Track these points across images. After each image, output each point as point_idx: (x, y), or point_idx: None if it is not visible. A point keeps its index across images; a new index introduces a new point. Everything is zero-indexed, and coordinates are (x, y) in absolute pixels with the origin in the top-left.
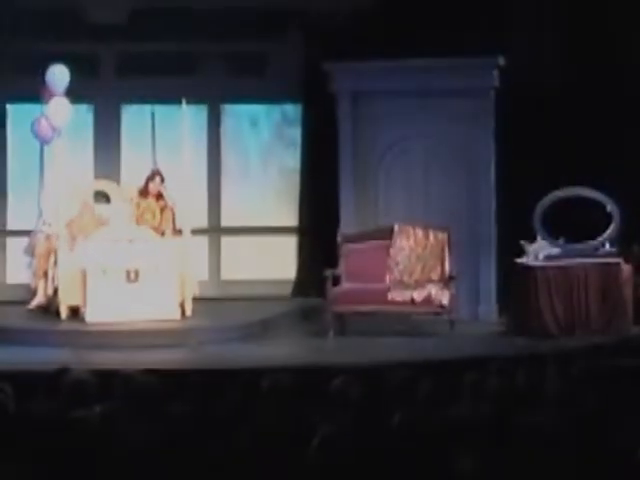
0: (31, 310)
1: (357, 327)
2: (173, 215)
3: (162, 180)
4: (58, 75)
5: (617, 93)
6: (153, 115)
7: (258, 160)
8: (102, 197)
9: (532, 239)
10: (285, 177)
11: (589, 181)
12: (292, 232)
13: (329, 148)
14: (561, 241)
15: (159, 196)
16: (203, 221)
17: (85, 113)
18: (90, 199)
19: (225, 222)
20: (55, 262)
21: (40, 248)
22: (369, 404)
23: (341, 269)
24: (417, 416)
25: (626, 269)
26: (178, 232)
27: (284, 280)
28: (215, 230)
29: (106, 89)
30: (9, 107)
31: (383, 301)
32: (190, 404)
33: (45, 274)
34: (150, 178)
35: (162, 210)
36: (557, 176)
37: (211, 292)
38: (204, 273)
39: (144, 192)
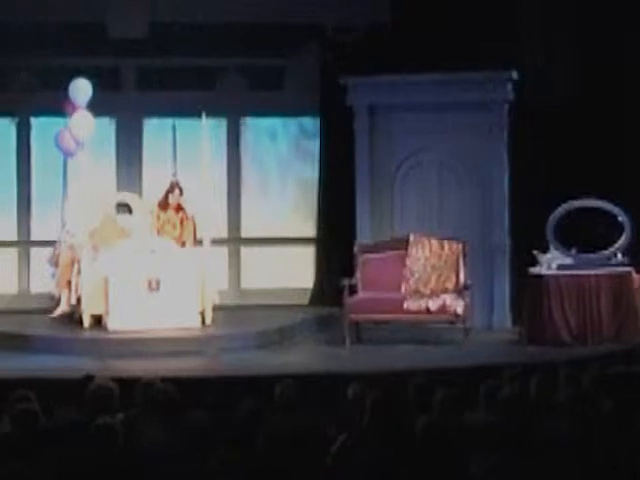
0: (55, 319)
1: (373, 335)
2: (194, 226)
3: (181, 192)
4: (81, 89)
5: (630, 106)
6: (174, 128)
7: (277, 172)
8: (124, 208)
9: (545, 249)
10: (303, 188)
11: (601, 192)
12: (310, 242)
13: (346, 160)
14: (573, 251)
15: (178, 208)
16: (223, 232)
17: (107, 126)
18: (112, 210)
19: (244, 233)
20: (78, 272)
21: (63, 258)
22: (385, 412)
23: (357, 278)
24: (432, 423)
25: (637, 279)
26: (198, 243)
27: (302, 289)
28: (235, 240)
29: (128, 103)
30: (33, 120)
31: (399, 310)
32: (209, 411)
33: (68, 283)
34: (169, 191)
35: (182, 222)
36: (569, 188)
37: (231, 300)
38: (224, 282)
39: (164, 204)
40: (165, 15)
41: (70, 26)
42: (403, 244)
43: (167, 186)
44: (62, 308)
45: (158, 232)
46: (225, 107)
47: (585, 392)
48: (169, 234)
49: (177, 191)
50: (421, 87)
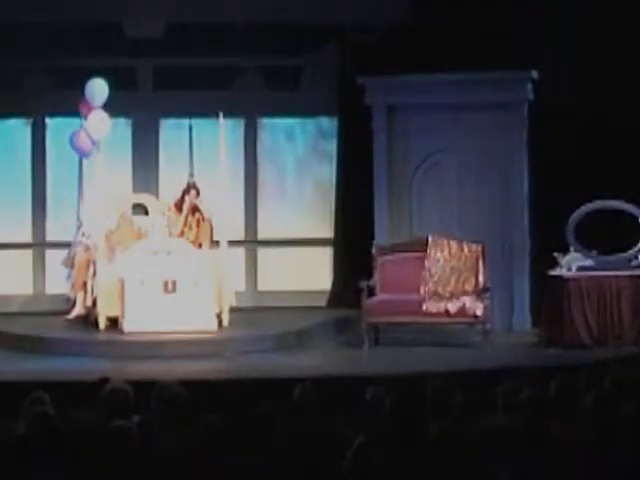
0: (70, 320)
1: (391, 338)
2: (210, 228)
3: (198, 193)
4: (97, 88)
5: None
6: (191, 129)
7: (294, 172)
8: (140, 210)
9: (565, 251)
10: (320, 189)
11: (622, 193)
12: (327, 244)
13: (364, 161)
14: (594, 253)
15: (195, 209)
16: (240, 233)
17: (123, 127)
18: (128, 211)
19: (261, 234)
20: (94, 273)
21: (79, 259)
22: (404, 414)
23: (376, 280)
24: (451, 426)
25: None
26: (215, 244)
27: (319, 291)
28: (252, 242)
29: (144, 103)
30: (48, 121)
31: (418, 312)
32: (225, 414)
33: (84, 285)
34: (186, 191)
35: (199, 223)
36: (590, 188)
37: (247, 303)
38: (241, 284)
39: (180, 205)
40: (182, 15)
41: (86, 26)
42: (422, 245)
43: (184, 187)
44: (78, 310)
45: (181, 233)
46: (242, 107)
47: (605, 395)
48: (185, 235)
49: (193, 192)
50: (440, 87)
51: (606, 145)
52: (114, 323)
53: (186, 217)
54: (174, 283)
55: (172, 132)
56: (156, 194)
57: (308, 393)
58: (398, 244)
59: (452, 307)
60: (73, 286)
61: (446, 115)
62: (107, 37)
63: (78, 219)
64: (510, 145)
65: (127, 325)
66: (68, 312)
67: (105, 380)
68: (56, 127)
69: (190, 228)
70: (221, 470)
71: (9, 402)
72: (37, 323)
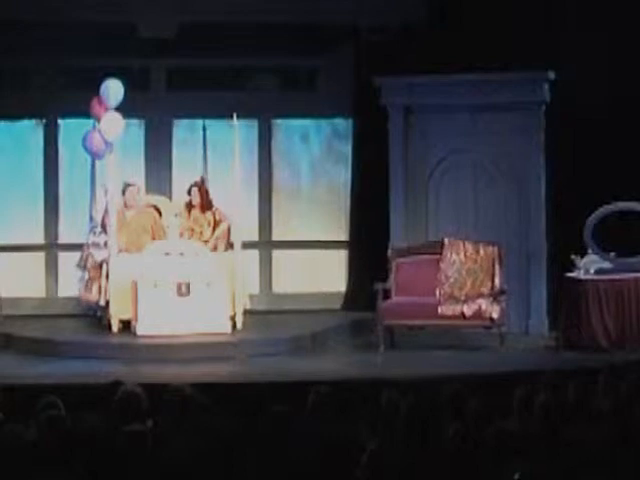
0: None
1: (407, 341)
2: (228, 229)
3: (200, 190)
4: (113, 89)
5: None
6: (204, 130)
7: (309, 174)
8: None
9: (583, 253)
10: (335, 191)
11: (639, 195)
12: (342, 246)
13: (379, 162)
14: (612, 255)
15: (203, 208)
16: (254, 235)
17: (136, 128)
18: (142, 211)
19: (276, 236)
20: (107, 275)
21: (91, 262)
22: (419, 418)
23: (391, 283)
24: (467, 430)
25: None
26: (230, 246)
27: (334, 293)
28: (266, 244)
29: (157, 104)
30: (60, 122)
31: (433, 315)
32: (239, 417)
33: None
34: (188, 191)
35: (215, 223)
36: (607, 190)
37: (262, 305)
38: (255, 286)
39: (190, 206)
40: (195, 15)
41: (99, 26)
42: (437, 248)
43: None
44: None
45: (191, 232)
46: (256, 108)
47: (623, 399)
48: (197, 236)
49: (195, 189)
50: (456, 88)
51: (623, 146)
52: (127, 326)
53: (195, 217)
54: (188, 286)
55: (185, 133)
56: (169, 195)
57: (323, 396)
58: (414, 246)
59: (468, 310)
60: (86, 288)
61: (462, 116)
62: (120, 37)
63: (91, 221)
64: (527, 146)
65: (140, 328)
66: (81, 314)
67: (118, 383)
68: (69, 128)
69: (201, 226)
70: (234, 473)
71: (22, 406)
72: (50, 326)
